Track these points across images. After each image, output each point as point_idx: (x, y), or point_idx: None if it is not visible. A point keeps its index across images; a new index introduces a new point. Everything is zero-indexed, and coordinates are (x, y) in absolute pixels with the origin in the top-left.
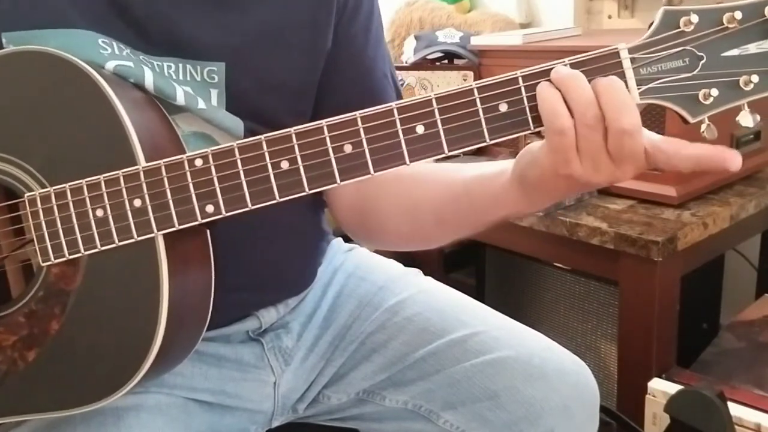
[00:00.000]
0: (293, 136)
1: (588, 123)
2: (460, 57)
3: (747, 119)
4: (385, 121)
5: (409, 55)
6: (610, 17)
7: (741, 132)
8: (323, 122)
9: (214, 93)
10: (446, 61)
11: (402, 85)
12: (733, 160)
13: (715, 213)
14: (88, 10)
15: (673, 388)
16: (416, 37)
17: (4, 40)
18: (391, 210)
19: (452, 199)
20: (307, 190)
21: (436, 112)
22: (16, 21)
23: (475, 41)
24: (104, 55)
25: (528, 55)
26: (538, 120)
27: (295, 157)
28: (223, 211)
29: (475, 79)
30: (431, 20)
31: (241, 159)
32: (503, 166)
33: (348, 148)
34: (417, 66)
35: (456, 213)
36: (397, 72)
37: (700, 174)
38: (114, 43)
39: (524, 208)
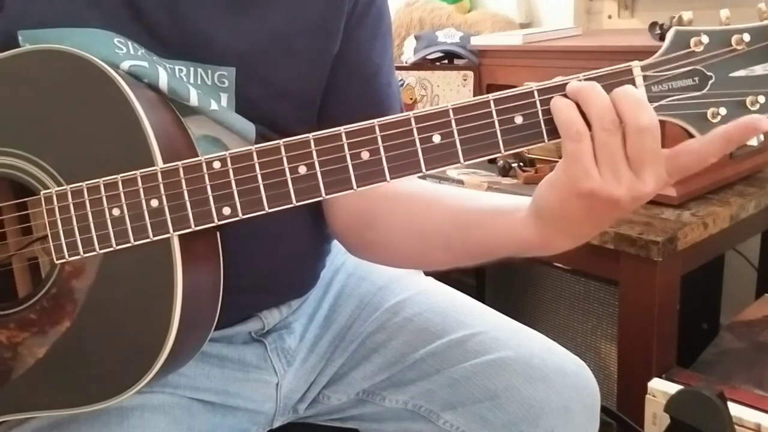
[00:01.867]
0: (311, 142)
1: (606, 127)
2: (460, 57)
3: (752, 139)
4: (402, 129)
5: (409, 55)
6: (610, 17)
7: None
8: (341, 129)
9: (224, 97)
10: (446, 61)
11: (402, 85)
12: (761, 121)
13: (715, 213)
14: (104, 10)
15: (673, 388)
16: (416, 37)
17: (20, 38)
18: (399, 228)
19: (464, 227)
20: (324, 195)
21: (453, 122)
22: (31, 19)
23: (475, 41)
24: (119, 55)
25: (528, 55)
26: (552, 132)
27: (313, 163)
28: (240, 214)
29: (475, 79)
30: (431, 20)
31: (259, 163)
32: (521, 201)
33: (365, 155)
34: (417, 66)
35: (466, 242)
36: (397, 72)
37: (701, 174)
38: (129, 43)
39: (538, 243)
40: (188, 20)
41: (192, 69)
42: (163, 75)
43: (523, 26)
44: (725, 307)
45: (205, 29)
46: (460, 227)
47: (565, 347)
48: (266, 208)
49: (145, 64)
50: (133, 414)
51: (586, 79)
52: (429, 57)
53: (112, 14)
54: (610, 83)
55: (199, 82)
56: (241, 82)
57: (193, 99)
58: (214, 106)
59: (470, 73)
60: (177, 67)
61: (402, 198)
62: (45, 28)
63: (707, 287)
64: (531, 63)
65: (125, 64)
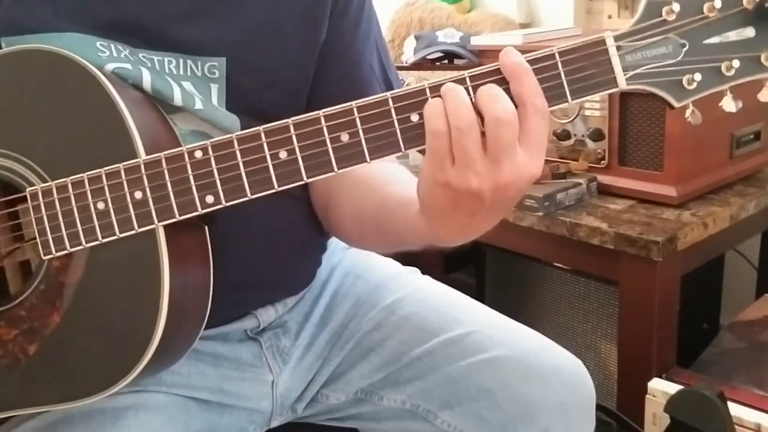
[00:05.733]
0: (291, 127)
1: (459, 125)
2: (460, 57)
3: (730, 104)
4: (380, 110)
5: (409, 55)
6: (610, 17)
7: (741, 132)
8: (320, 113)
9: (214, 88)
10: (446, 61)
11: (402, 84)
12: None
13: (715, 213)
14: (85, 15)
15: (673, 388)
16: (416, 37)
17: (3, 45)
18: (344, 211)
19: (383, 215)
20: (305, 178)
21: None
22: (15, 25)
23: (475, 41)
24: (102, 58)
25: (528, 55)
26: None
27: (294, 147)
28: (223, 201)
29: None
30: (431, 20)
31: (240, 150)
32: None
33: (345, 138)
34: (417, 66)
35: (384, 230)
36: (397, 72)
37: (701, 174)
38: (112, 45)
39: (431, 236)
40: (175, 14)
41: (181, 60)
42: (147, 76)
43: (523, 26)
44: (725, 307)
45: (193, 21)
46: (381, 215)
47: (565, 347)
48: (249, 195)
49: (128, 66)
50: (128, 414)
51: (560, 52)
52: (429, 57)
53: (93, 18)
54: (584, 54)
55: (188, 73)
56: (231, 72)
57: (177, 98)
58: (198, 105)
59: None
60: (166, 59)
61: (350, 180)
62: (28, 34)
63: (707, 287)
64: None
65: (109, 67)
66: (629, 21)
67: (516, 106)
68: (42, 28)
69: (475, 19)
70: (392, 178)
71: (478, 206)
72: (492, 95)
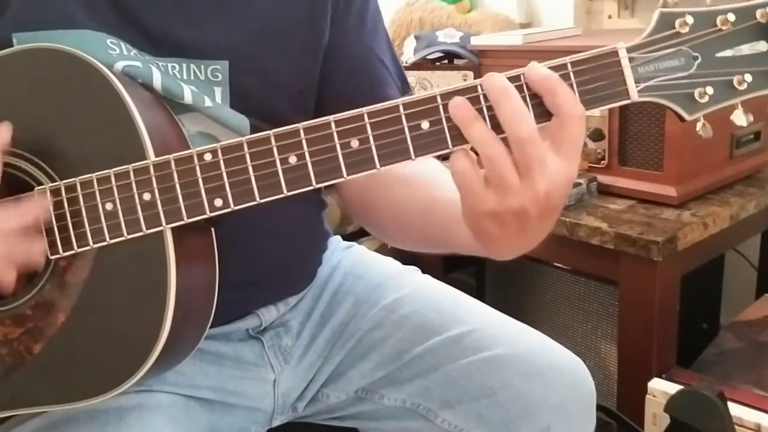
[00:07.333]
0: (301, 132)
1: (489, 154)
2: (460, 57)
3: (741, 118)
4: (391, 117)
5: (409, 55)
6: (610, 17)
7: (741, 132)
8: (330, 118)
9: (218, 91)
10: (446, 61)
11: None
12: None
13: (715, 213)
14: (96, 12)
15: (673, 388)
16: (416, 37)
17: (15, 41)
18: (383, 214)
19: (433, 224)
20: (314, 184)
21: (441, 108)
22: (26, 22)
23: (475, 41)
24: (113, 56)
25: (528, 55)
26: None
27: (303, 152)
28: (232, 205)
29: (475, 79)
30: (431, 20)
31: (249, 153)
32: None
33: (355, 144)
34: (417, 66)
35: (444, 242)
36: None
37: (701, 174)
38: (122, 44)
39: (489, 253)
40: (175, 18)
41: (185, 65)
42: (157, 74)
43: (523, 26)
44: (725, 307)
45: (194, 25)
46: (430, 225)
47: (565, 347)
48: (257, 199)
49: (138, 64)
50: (131, 414)
51: (571, 63)
52: (429, 57)
53: (103, 16)
54: (596, 65)
55: (192, 78)
56: (234, 74)
57: (188, 97)
58: (208, 102)
59: (470, 73)
60: (170, 65)
61: (390, 184)
62: (39, 30)
63: (707, 287)
64: None
65: (119, 65)
66: (629, 21)
67: (551, 115)
68: (53, 24)
69: (475, 19)
70: (433, 180)
71: (526, 221)
72: (511, 118)
